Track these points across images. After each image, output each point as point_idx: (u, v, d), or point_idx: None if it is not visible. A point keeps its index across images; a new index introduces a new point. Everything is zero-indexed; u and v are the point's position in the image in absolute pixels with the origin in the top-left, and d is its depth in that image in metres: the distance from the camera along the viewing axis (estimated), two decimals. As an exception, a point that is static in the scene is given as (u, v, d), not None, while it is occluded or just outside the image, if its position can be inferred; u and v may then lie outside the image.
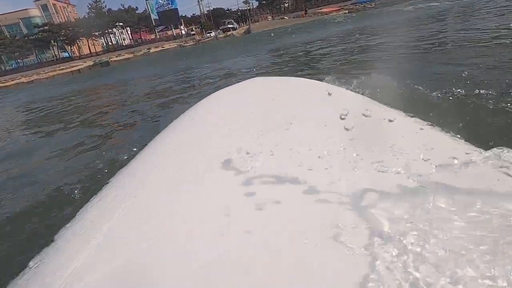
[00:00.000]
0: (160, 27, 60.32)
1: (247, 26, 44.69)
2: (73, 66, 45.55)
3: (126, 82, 13.43)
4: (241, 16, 73.04)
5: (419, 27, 10.25)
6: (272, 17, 44.18)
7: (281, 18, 41.12)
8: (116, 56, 44.82)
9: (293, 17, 43.95)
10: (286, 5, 68.25)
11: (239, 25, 55.73)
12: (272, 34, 23.80)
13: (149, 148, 1.44)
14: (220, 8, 79.53)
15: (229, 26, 51.66)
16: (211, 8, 73.24)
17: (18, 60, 52.21)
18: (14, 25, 61.36)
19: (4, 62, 60.03)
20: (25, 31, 59.42)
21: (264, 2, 70.54)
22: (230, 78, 7.49)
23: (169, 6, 52.86)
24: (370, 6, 42.56)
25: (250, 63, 10.65)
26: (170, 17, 53.51)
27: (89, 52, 52.85)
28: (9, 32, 61.40)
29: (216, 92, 1.82)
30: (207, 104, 1.73)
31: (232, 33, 43.52)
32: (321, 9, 47.20)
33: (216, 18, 65.98)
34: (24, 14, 61.34)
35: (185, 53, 25.88)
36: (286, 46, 13.73)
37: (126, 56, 44.59)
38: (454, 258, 0.61)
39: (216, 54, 17.29)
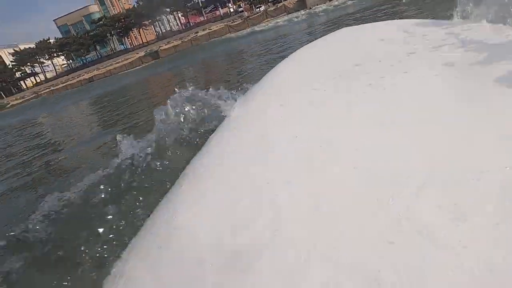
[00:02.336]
0: (209, 8, 57.41)
1: (301, -6, 38.63)
2: (127, 59, 46.02)
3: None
4: (293, -16, 65.87)
5: None
6: (330, -22, 37.15)
7: (343, -23, 34.01)
8: (165, 44, 43.64)
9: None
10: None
11: (291, -6, 49.49)
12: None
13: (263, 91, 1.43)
14: (270, -21, 73.21)
15: (280, -4, 45.98)
16: (261, -20, 67.50)
17: (82, 57, 55.30)
18: (79, 23, 65.40)
19: (74, 59, 65.12)
20: (87, 27, 62.86)
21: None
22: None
23: (215, -18, 49.26)
24: None
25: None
26: (216, -5, 50.02)
27: (141, 42, 53.15)
28: (75, 30, 65.84)
29: (311, 43, 1.73)
30: (307, 53, 1.66)
31: (283, 4, 38.12)
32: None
33: (266, -10, 60.48)
34: (85, 12, 64.73)
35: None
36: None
37: (175, 43, 43.04)
38: None
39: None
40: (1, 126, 18.41)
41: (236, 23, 39.93)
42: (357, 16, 14.08)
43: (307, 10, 33.43)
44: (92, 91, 23.47)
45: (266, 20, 37.33)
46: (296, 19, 28.38)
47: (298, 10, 36.51)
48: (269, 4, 46.22)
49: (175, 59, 27.41)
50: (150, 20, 49.52)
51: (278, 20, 33.33)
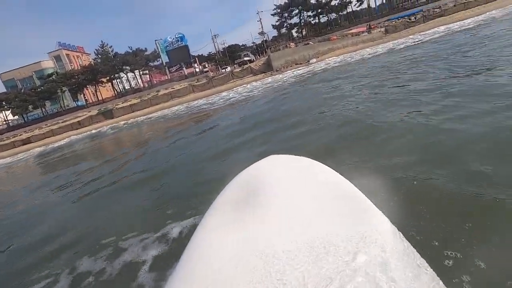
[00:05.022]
0: (174, 67, 56.64)
1: (266, 57, 38.91)
2: (77, 117, 41.21)
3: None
4: (257, 49, 69.04)
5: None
6: (295, 44, 38.29)
7: (306, 44, 35.01)
8: (122, 103, 40.15)
9: (319, 41, 37.84)
10: (304, 33, 63.28)
11: (255, 57, 50.65)
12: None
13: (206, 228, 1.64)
14: (236, 45, 76.57)
15: (246, 59, 46.48)
16: (226, 46, 70.14)
17: (24, 115, 49.18)
18: (28, 78, 60.26)
19: (19, 116, 58.02)
20: (37, 83, 57.81)
21: (281, 32, 66.54)
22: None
23: (179, 43, 49.00)
24: (413, 19, 35.52)
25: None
26: (180, 55, 49.41)
27: (97, 99, 49.17)
28: (23, 86, 60.23)
29: (244, 172, 1.99)
30: (240, 187, 1.89)
31: (249, 66, 37.71)
32: (350, 29, 40.95)
33: (232, 54, 62.09)
34: (37, 67, 60.36)
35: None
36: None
37: (133, 101, 39.77)
38: None
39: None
40: None
41: (200, 82, 38.32)
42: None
43: (270, 76, 32.77)
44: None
45: (233, 80, 36.20)
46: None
47: (264, 72, 36.12)
48: (235, 65, 46.26)
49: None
50: (107, 78, 46.50)
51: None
